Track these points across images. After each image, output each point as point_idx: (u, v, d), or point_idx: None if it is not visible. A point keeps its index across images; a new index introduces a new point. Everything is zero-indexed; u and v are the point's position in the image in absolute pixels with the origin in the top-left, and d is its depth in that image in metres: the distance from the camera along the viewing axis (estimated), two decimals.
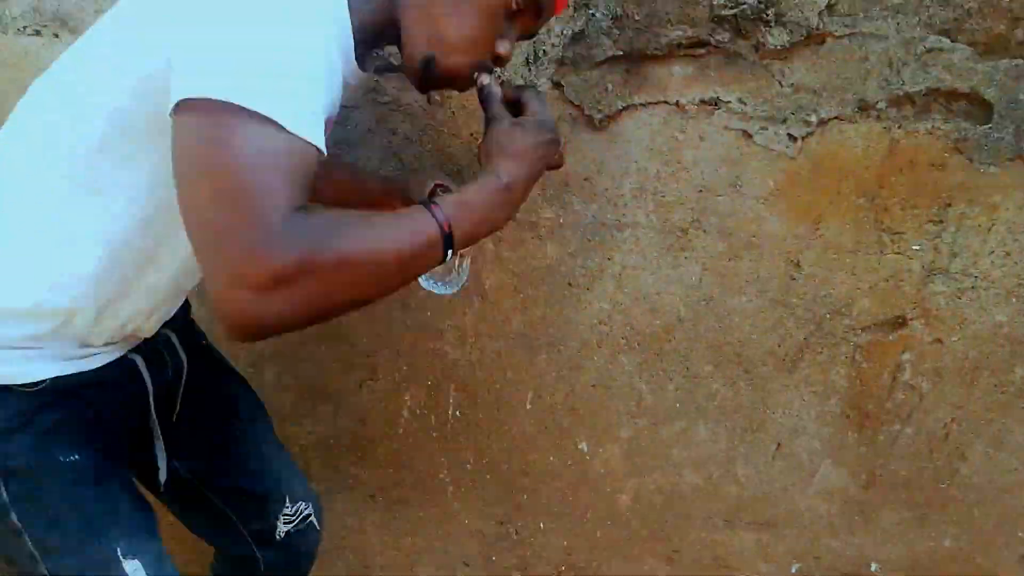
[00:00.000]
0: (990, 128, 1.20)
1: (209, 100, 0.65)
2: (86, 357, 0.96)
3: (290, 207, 0.64)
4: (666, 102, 1.26)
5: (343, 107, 0.89)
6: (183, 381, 1.13)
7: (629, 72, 1.25)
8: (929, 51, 1.19)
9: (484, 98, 0.92)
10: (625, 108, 1.27)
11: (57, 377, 0.92)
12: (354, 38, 0.85)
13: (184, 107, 0.67)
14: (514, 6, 0.90)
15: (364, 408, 1.52)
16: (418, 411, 1.50)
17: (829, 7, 1.18)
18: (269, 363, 1.51)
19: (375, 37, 0.90)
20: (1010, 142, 1.21)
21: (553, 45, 1.25)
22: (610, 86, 1.26)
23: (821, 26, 1.19)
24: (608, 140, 1.29)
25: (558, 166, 0.97)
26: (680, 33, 1.21)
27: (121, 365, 1.01)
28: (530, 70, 1.26)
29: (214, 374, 1.22)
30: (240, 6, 0.69)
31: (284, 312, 0.65)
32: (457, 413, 1.50)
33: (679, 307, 1.37)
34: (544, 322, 1.41)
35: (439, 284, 1.12)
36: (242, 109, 0.65)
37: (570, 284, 1.38)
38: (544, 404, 1.46)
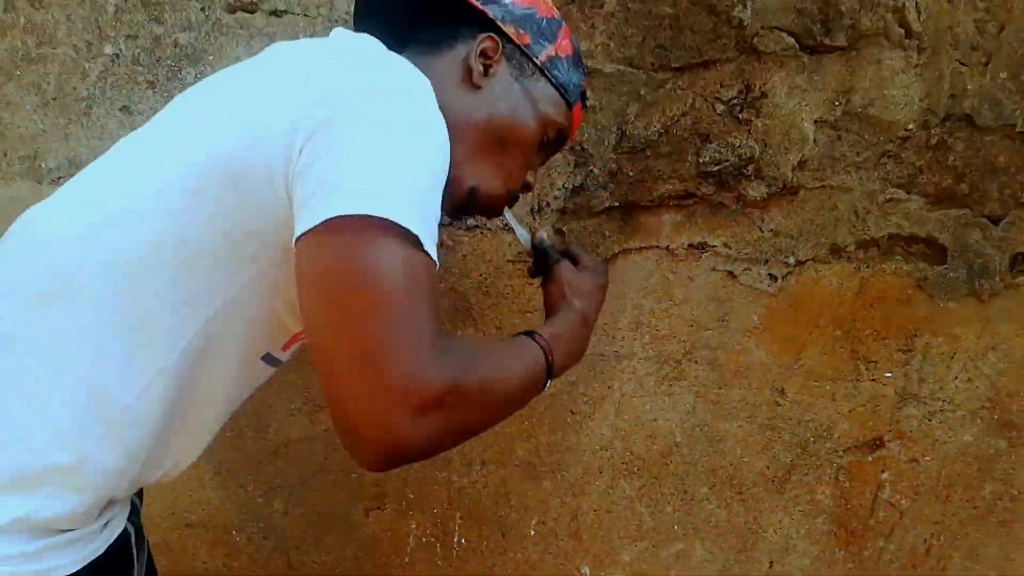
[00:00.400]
0: (946, 268, 1.35)
1: (357, 216, 0.65)
2: (101, 531, 0.85)
3: (437, 330, 0.67)
4: (658, 246, 1.39)
5: None
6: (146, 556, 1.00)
7: (624, 220, 1.38)
8: (888, 201, 1.35)
9: (545, 248, 1.03)
10: (621, 252, 1.39)
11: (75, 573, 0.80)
12: None
13: (327, 225, 0.66)
14: (545, 141, 1.01)
15: (371, 536, 1.55)
16: (424, 539, 1.54)
17: (800, 164, 1.34)
18: (278, 492, 1.54)
19: None
20: (964, 280, 1.35)
21: (556, 197, 1.38)
22: (607, 232, 1.39)
23: (795, 180, 1.35)
24: None
25: None
26: (670, 187, 1.35)
27: (117, 543, 0.89)
28: (535, 218, 1.39)
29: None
30: (376, 113, 0.69)
31: (432, 435, 0.66)
32: (463, 540, 1.54)
33: (675, 432, 1.46)
34: (548, 449, 1.48)
35: None
36: (393, 225, 0.65)
37: (572, 412, 1.47)
38: (548, 529, 1.52)
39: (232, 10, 1.36)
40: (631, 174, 1.36)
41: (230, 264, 0.76)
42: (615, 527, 1.51)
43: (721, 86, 1.33)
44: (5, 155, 1.45)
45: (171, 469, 0.89)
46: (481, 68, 0.93)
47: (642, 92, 1.34)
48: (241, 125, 0.73)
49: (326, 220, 0.66)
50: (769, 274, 1.38)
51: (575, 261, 1.04)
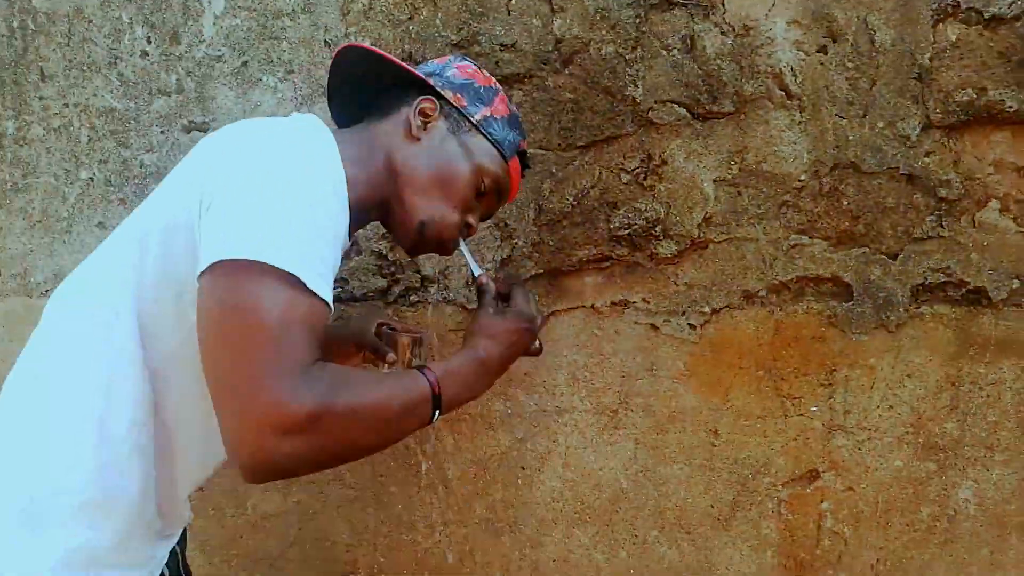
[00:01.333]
0: (853, 304, 1.45)
1: (240, 260, 0.77)
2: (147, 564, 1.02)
3: (310, 361, 0.77)
4: (583, 306, 1.51)
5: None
6: None
7: (551, 284, 1.51)
8: (793, 247, 1.46)
9: (481, 291, 1.11)
10: (552, 313, 1.51)
11: None
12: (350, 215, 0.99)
13: (216, 268, 0.78)
14: (482, 189, 1.13)
15: None
16: None
17: (705, 220, 1.46)
18: (259, 566, 1.65)
19: (364, 215, 1.07)
20: (871, 314, 1.45)
21: (487, 269, 1.51)
22: (536, 296, 1.51)
23: (701, 235, 1.46)
24: (541, 339, 1.52)
25: (536, 353, 1.15)
26: (586, 252, 1.48)
27: None
28: (470, 288, 1.52)
29: None
30: (265, 174, 0.83)
31: (299, 455, 0.76)
32: None
33: (620, 480, 1.55)
34: (503, 505, 1.58)
35: None
36: (271, 268, 0.77)
37: (522, 468, 1.56)
38: None
39: (187, 130, 1.54)
40: (551, 243, 1.49)
41: (177, 309, 0.91)
42: (574, 575, 1.58)
43: (624, 158, 1.46)
44: (0, 274, 1.63)
45: (182, 492, 1.05)
46: (420, 123, 1.07)
47: (553, 170, 1.48)
48: (175, 197, 0.91)
49: (211, 264, 0.79)
50: (688, 323, 1.49)
51: (508, 303, 1.12)
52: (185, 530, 1.21)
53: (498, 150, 1.12)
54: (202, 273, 0.81)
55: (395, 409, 0.87)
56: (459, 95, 1.10)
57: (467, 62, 1.15)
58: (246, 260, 0.78)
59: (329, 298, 0.84)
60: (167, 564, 1.09)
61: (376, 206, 1.09)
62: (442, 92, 1.09)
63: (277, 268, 0.78)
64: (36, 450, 0.93)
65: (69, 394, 0.93)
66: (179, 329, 0.93)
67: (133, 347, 0.93)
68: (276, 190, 0.83)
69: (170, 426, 0.98)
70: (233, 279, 0.79)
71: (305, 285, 0.80)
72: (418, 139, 1.07)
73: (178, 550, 1.16)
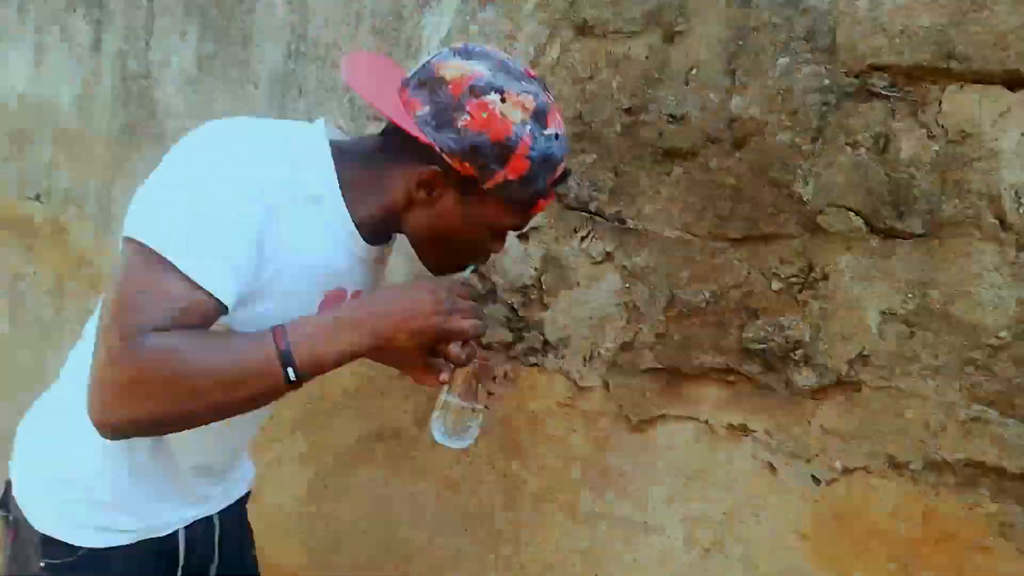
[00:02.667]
0: None
1: (133, 240, 0.86)
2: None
3: (151, 329, 0.81)
4: (697, 419, 1.31)
5: None
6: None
7: (668, 384, 1.34)
8: (972, 420, 1.12)
9: None
10: (660, 416, 1.34)
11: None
12: (361, 223, 1.03)
13: (124, 243, 0.88)
14: (495, 234, 1.08)
15: None
16: None
17: (861, 358, 1.19)
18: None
19: (384, 227, 1.07)
20: None
21: (607, 348, 1.39)
22: (648, 393, 1.35)
23: (852, 374, 1.19)
24: (643, 442, 1.36)
25: (460, 334, 1.01)
26: (710, 358, 1.29)
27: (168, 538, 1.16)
28: (585, 365, 1.41)
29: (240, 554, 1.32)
30: (183, 167, 0.91)
31: (126, 415, 0.82)
32: None
33: None
34: None
35: (452, 439, 1.15)
36: (148, 251, 0.84)
37: (596, 574, 1.41)
38: None
39: None
40: (676, 338, 1.33)
41: None
42: None
43: (780, 262, 1.25)
44: None
45: (183, 462, 1.14)
46: (423, 194, 1.01)
47: (697, 258, 1.32)
48: None
49: (122, 239, 0.89)
50: (812, 475, 1.22)
51: None
52: (244, 509, 1.32)
53: (514, 207, 1.04)
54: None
55: (231, 373, 0.86)
56: (467, 162, 0.97)
57: (487, 97, 0.95)
58: (136, 241, 0.86)
59: (214, 287, 0.86)
60: (196, 529, 1.19)
61: (388, 226, 1.08)
62: (449, 160, 0.97)
63: (159, 255, 0.84)
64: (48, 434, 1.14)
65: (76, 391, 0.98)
66: None
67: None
68: (185, 182, 0.89)
69: None
70: (124, 257, 0.87)
71: (186, 276, 0.84)
72: (424, 205, 1.02)
73: (216, 521, 1.24)
